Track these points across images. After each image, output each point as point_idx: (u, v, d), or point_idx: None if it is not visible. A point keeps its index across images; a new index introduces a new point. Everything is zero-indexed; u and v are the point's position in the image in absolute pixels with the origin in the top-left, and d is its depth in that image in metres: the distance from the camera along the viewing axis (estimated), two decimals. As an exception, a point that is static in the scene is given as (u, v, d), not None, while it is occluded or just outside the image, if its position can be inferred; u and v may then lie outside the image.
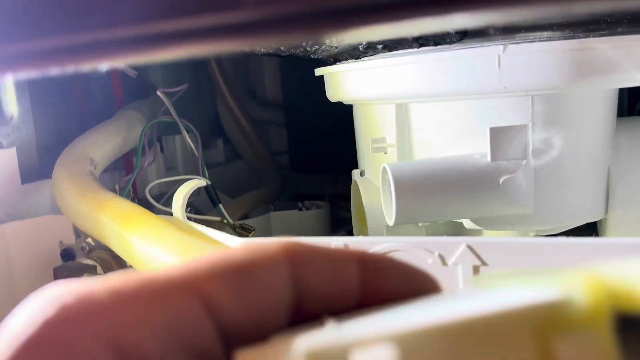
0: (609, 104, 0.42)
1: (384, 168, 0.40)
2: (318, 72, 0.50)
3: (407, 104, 0.44)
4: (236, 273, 0.13)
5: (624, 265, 0.11)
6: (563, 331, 0.11)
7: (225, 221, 0.55)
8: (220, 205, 0.57)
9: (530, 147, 0.40)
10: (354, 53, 0.43)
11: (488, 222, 0.43)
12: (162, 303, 0.12)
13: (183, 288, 0.12)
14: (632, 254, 0.31)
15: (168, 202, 0.48)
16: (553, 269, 0.13)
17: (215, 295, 0.12)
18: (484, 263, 0.33)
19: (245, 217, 0.66)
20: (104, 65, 0.22)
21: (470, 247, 0.33)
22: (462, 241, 0.33)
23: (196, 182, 0.46)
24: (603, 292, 0.11)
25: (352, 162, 0.54)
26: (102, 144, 0.54)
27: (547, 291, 0.11)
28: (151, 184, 0.56)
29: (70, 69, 0.21)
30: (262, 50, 0.44)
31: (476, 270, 0.33)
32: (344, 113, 0.54)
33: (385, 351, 0.11)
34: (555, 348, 0.11)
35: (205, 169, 0.61)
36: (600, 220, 0.45)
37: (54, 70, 0.22)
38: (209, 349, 0.12)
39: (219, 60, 0.74)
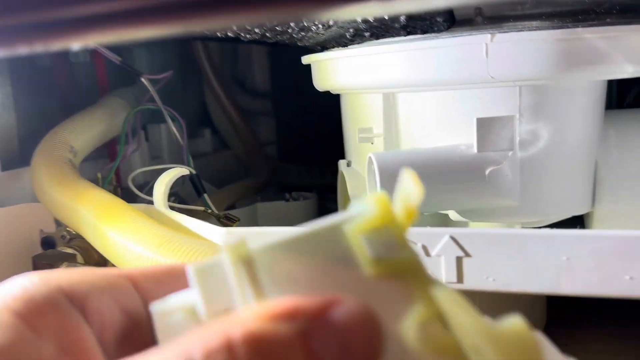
0: (598, 96, 0.42)
1: (370, 157, 0.40)
2: (305, 60, 0.49)
3: (395, 93, 0.44)
4: (159, 278, 0.20)
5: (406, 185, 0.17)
6: (368, 230, 0.17)
7: (210, 211, 0.54)
8: (205, 195, 0.56)
9: (517, 139, 0.39)
10: (341, 41, 0.42)
11: (474, 214, 0.42)
12: (102, 274, 0.19)
13: (119, 272, 0.19)
14: (616, 247, 0.30)
15: (152, 191, 0.47)
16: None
17: (141, 282, 0.19)
18: (467, 254, 0.32)
19: (232, 207, 0.66)
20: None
21: (453, 238, 0.33)
22: (445, 232, 0.33)
23: (178, 171, 0.45)
24: (387, 205, 0.17)
25: (341, 153, 0.53)
26: (84, 132, 0.53)
27: (357, 208, 0.17)
28: (134, 173, 0.55)
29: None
30: (247, 37, 0.43)
31: (459, 261, 0.33)
32: (333, 104, 0.54)
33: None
34: (360, 237, 0.17)
35: (191, 159, 0.60)
36: (587, 214, 0.44)
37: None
38: (137, 311, 0.19)
39: (207, 47, 0.73)
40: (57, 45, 0.22)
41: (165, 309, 0.17)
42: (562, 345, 0.49)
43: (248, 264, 0.16)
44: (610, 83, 0.43)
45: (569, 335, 0.47)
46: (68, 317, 0.17)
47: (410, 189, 0.17)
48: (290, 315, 0.14)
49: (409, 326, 0.15)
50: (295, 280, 0.16)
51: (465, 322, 0.15)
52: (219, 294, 0.16)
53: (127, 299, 0.19)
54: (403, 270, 0.16)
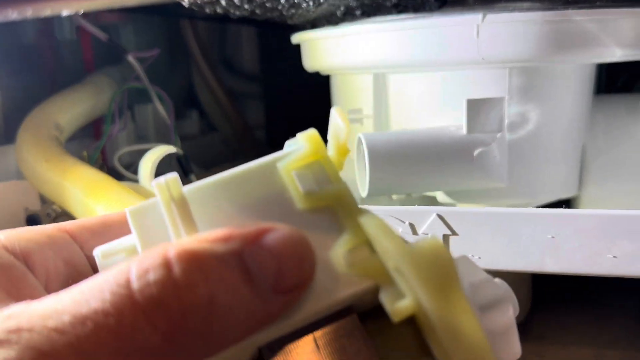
0: (587, 80, 0.42)
1: (359, 138, 0.40)
2: (294, 39, 0.49)
3: (385, 74, 0.43)
4: (95, 230, 0.20)
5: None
6: (300, 166, 0.18)
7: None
8: (193, 176, 0.56)
9: (506, 121, 0.39)
10: (332, 19, 0.42)
11: (462, 196, 0.42)
12: (41, 230, 0.19)
13: (58, 227, 0.20)
14: (601, 226, 0.30)
15: (138, 171, 0.47)
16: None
17: (78, 234, 0.20)
18: (454, 233, 0.33)
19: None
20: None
21: (440, 217, 0.33)
22: (432, 211, 0.33)
23: (165, 149, 0.45)
24: (317, 141, 0.18)
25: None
26: (69, 109, 0.52)
27: (290, 147, 0.18)
28: (120, 152, 0.54)
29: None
30: (236, 14, 0.42)
31: (446, 239, 0.33)
32: (323, 87, 0.53)
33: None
34: (292, 172, 0.17)
35: (179, 140, 0.60)
36: (573, 198, 0.45)
37: None
38: (79, 262, 0.20)
39: (195, 27, 0.72)
40: (46, 10, 0.22)
41: (107, 250, 0.18)
42: (547, 326, 0.50)
43: (181, 203, 0.16)
44: (599, 68, 0.44)
45: (553, 317, 0.48)
46: (13, 269, 0.17)
47: (339, 126, 0.18)
48: (226, 238, 0.15)
49: (337, 253, 0.16)
50: (229, 217, 0.17)
51: (389, 246, 0.16)
52: (156, 233, 0.17)
53: (68, 251, 0.19)
54: (333, 202, 0.17)
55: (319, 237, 0.16)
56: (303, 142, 0.18)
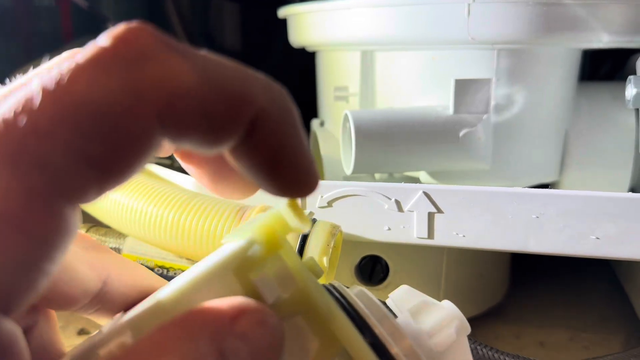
0: (572, 66, 0.42)
1: (346, 114, 0.39)
2: (281, 12, 0.48)
3: (373, 52, 0.43)
4: None
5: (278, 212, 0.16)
6: (254, 266, 0.16)
7: (176, 165, 0.53)
8: (172, 150, 0.55)
9: (493, 102, 0.40)
10: (321, -7, 0.41)
11: (444, 177, 0.42)
12: None
13: None
14: (585, 207, 0.31)
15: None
16: (257, 218, 0.17)
17: None
18: (439, 210, 0.33)
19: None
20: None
21: (426, 194, 0.33)
22: (419, 188, 0.33)
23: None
24: (273, 236, 0.16)
25: (314, 114, 0.52)
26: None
27: (240, 243, 0.16)
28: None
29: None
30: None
31: (431, 216, 0.33)
32: (305, 64, 0.53)
33: (122, 339, 0.15)
34: (253, 280, 0.16)
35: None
36: (554, 182, 0.45)
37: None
38: None
39: (177, 0, 0.71)
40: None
41: None
42: (524, 308, 0.51)
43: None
44: (584, 55, 0.44)
45: (530, 300, 0.49)
46: None
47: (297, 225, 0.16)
48: (201, 323, 0.14)
49: None
50: None
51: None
52: None
53: None
54: (302, 307, 0.16)
55: (291, 346, 0.15)
56: (257, 237, 0.16)
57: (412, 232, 0.33)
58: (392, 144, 0.39)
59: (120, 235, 0.40)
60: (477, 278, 0.45)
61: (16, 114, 0.12)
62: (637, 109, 0.39)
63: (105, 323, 0.19)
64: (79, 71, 0.12)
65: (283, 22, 0.50)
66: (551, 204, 0.31)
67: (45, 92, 0.12)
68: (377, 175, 0.44)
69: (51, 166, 0.12)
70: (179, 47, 0.14)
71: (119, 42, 0.13)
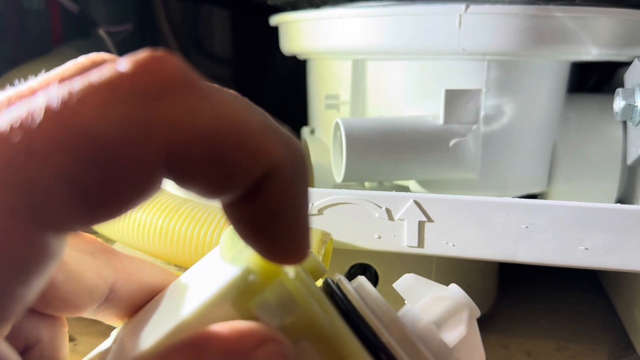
0: (561, 78, 0.43)
1: (337, 122, 0.39)
2: (273, 20, 0.48)
3: (364, 61, 0.43)
4: None
5: None
6: (253, 295, 0.15)
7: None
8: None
9: (482, 113, 0.40)
10: (313, 1, 0.41)
11: (434, 186, 0.43)
12: None
13: None
14: (574, 218, 0.31)
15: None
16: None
17: None
18: (430, 219, 0.33)
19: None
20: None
21: (417, 203, 0.33)
22: (409, 197, 0.33)
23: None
24: (270, 263, 0.15)
25: (304, 121, 0.52)
26: (35, 80, 0.50)
27: (235, 270, 0.15)
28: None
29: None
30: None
31: (421, 225, 0.33)
32: (296, 71, 0.53)
33: None
34: (253, 309, 0.15)
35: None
36: (542, 193, 0.45)
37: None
38: None
39: (167, 5, 0.70)
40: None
41: None
42: (511, 318, 0.51)
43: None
44: (573, 68, 0.44)
45: (517, 310, 0.49)
46: None
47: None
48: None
49: None
50: None
51: None
52: None
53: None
54: (306, 332, 0.15)
55: None
56: (253, 267, 0.15)
57: (403, 240, 0.33)
58: (383, 152, 0.39)
59: (108, 240, 0.39)
60: (465, 288, 0.45)
61: (12, 129, 0.11)
62: (625, 121, 0.39)
63: (111, 322, 0.19)
64: (91, 93, 0.12)
65: (274, 30, 0.50)
66: (540, 214, 0.31)
67: (49, 111, 0.11)
68: (367, 184, 0.45)
69: (39, 191, 0.11)
70: (203, 86, 0.13)
71: (141, 70, 0.12)
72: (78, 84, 0.12)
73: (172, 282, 0.19)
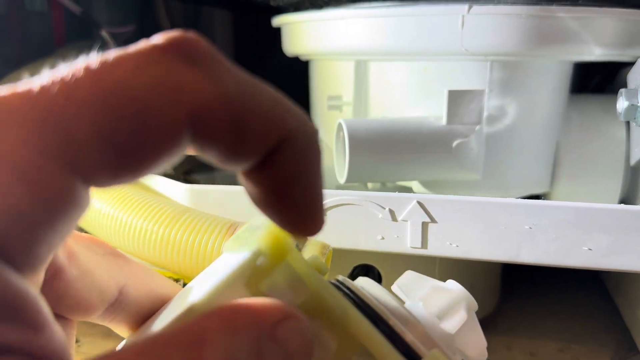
0: (564, 78, 0.43)
1: (340, 123, 0.39)
2: (276, 21, 0.48)
3: (367, 61, 0.43)
4: None
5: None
6: (263, 276, 0.15)
7: (168, 172, 0.53)
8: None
9: (485, 113, 0.40)
10: (316, 2, 0.41)
11: (437, 186, 0.43)
12: None
13: None
14: (577, 219, 0.31)
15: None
16: (256, 227, 0.16)
17: None
18: (433, 220, 0.33)
19: (190, 172, 0.64)
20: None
21: (420, 204, 0.33)
22: (413, 197, 0.33)
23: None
24: (278, 243, 0.15)
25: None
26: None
27: (245, 253, 0.16)
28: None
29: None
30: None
31: (425, 226, 0.33)
32: (297, 73, 0.53)
33: None
34: (264, 290, 0.15)
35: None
36: (545, 194, 0.45)
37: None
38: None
39: (168, 7, 0.71)
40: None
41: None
42: (515, 319, 0.51)
43: None
44: (575, 68, 0.44)
45: (521, 311, 0.49)
46: None
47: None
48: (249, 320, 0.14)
49: None
50: None
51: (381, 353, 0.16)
52: None
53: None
54: (315, 312, 0.16)
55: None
56: (263, 248, 0.16)
57: (406, 241, 0.33)
58: (386, 153, 0.39)
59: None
60: (468, 288, 0.45)
61: (53, 82, 0.12)
62: (628, 122, 0.39)
63: (119, 330, 0.19)
64: (127, 59, 0.13)
65: (275, 31, 0.50)
66: (544, 215, 0.31)
67: (87, 69, 0.12)
68: (369, 185, 0.44)
69: (72, 137, 0.12)
70: (226, 61, 0.14)
71: (172, 42, 0.13)
72: (116, 53, 0.13)
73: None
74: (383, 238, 0.34)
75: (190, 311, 0.15)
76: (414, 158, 0.39)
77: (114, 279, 0.18)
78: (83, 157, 0.12)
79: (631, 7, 0.38)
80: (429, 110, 0.41)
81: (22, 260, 0.12)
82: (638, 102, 0.35)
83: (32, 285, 0.12)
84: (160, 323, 0.16)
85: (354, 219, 0.34)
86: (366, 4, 0.41)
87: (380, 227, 0.34)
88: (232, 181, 0.69)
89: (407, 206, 0.33)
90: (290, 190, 0.14)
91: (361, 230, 0.34)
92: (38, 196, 0.12)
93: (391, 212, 0.33)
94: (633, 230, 0.30)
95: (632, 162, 0.40)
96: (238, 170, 0.14)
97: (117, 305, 0.18)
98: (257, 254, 0.16)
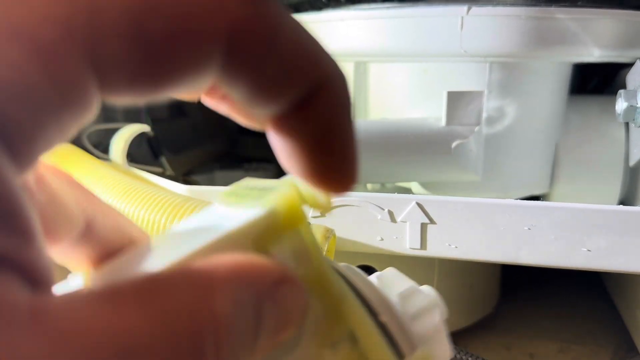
0: (563, 79, 0.43)
1: (338, 124, 0.39)
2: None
3: (366, 63, 0.43)
4: None
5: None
6: (273, 238, 0.15)
7: (167, 173, 0.53)
8: (163, 158, 0.55)
9: (484, 115, 0.40)
10: (316, 4, 0.41)
11: (436, 187, 0.43)
12: None
13: None
14: (576, 220, 0.31)
15: (107, 151, 0.46)
16: (268, 185, 0.16)
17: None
18: (432, 221, 0.33)
19: (189, 173, 0.64)
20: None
21: (419, 205, 0.33)
22: (412, 199, 0.33)
23: (139, 127, 0.44)
24: (295, 209, 0.15)
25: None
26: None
27: (258, 210, 0.15)
28: (89, 130, 0.53)
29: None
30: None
31: (424, 227, 0.33)
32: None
33: None
34: (271, 252, 0.15)
35: (150, 121, 0.58)
36: (544, 194, 0.45)
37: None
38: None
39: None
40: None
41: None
42: (514, 320, 0.51)
43: None
44: (574, 69, 0.44)
45: (520, 312, 0.49)
46: None
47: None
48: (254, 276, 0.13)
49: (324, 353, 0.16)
50: None
51: (372, 347, 0.16)
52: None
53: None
54: (314, 285, 0.15)
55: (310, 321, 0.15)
56: (279, 209, 0.15)
57: (405, 242, 0.33)
58: (385, 153, 0.39)
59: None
60: (468, 289, 0.45)
61: None
62: (627, 123, 0.40)
63: (80, 266, 0.17)
64: None
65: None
66: (543, 216, 0.31)
67: None
68: (369, 186, 0.45)
69: (100, 21, 0.10)
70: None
71: None
72: None
73: (149, 239, 0.18)
74: (382, 239, 0.34)
75: (194, 255, 0.14)
76: (414, 159, 0.39)
77: (83, 210, 0.16)
78: (107, 47, 0.11)
79: (630, 8, 0.38)
80: (428, 111, 0.41)
81: (23, 150, 0.10)
82: (637, 103, 0.35)
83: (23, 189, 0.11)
84: (150, 262, 0.15)
85: (353, 220, 0.34)
86: (365, 6, 0.41)
87: (379, 228, 0.34)
88: (232, 181, 0.69)
89: (406, 207, 0.33)
90: (327, 140, 0.13)
91: (360, 232, 0.34)
92: (54, 78, 0.10)
93: (390, 213, 0.33)
94: (632, 231, 0.30)
95: (631, 163, 0.40)
96: (267, 115, 0.13)
97: (83, 237, 0.17)
98: (272, 214, 0.15)
